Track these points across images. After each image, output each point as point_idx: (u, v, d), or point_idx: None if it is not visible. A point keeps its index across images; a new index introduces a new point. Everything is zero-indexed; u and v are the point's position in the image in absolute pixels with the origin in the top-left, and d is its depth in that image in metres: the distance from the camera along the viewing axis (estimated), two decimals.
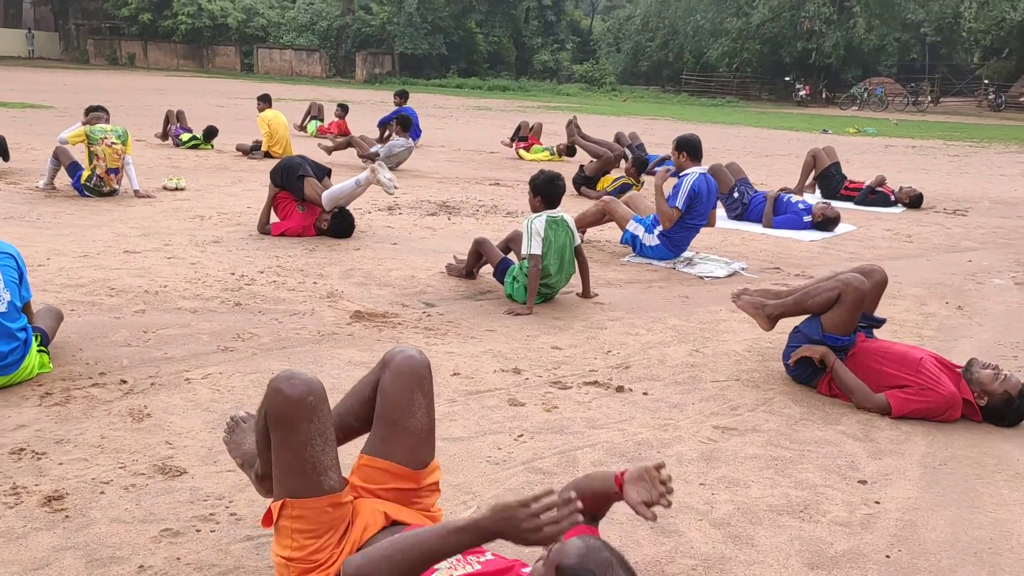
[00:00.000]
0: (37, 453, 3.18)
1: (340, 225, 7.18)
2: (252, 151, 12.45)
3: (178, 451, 3.24)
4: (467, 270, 5.97)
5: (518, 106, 30.58)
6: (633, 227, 6.92)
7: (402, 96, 14.45)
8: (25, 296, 3.94)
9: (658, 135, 18.35)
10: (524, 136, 14.11)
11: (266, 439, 2.26)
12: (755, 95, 44.28)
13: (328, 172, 7.49)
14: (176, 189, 9.19)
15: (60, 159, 8.57)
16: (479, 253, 5.76)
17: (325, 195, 7.11)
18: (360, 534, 2.22)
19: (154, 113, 18.67)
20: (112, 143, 8.37)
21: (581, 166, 10.48)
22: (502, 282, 5.57)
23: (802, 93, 39.36)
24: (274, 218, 7.30)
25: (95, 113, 8.56)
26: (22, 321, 3.85)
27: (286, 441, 2.18)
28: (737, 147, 17.29)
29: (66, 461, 3.13)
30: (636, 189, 9.82)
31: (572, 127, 12.00)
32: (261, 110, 12.71)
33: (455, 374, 4.15)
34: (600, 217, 7.09)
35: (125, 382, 3.91)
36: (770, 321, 4.32)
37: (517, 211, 8.89)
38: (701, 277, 6.42)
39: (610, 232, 7.71)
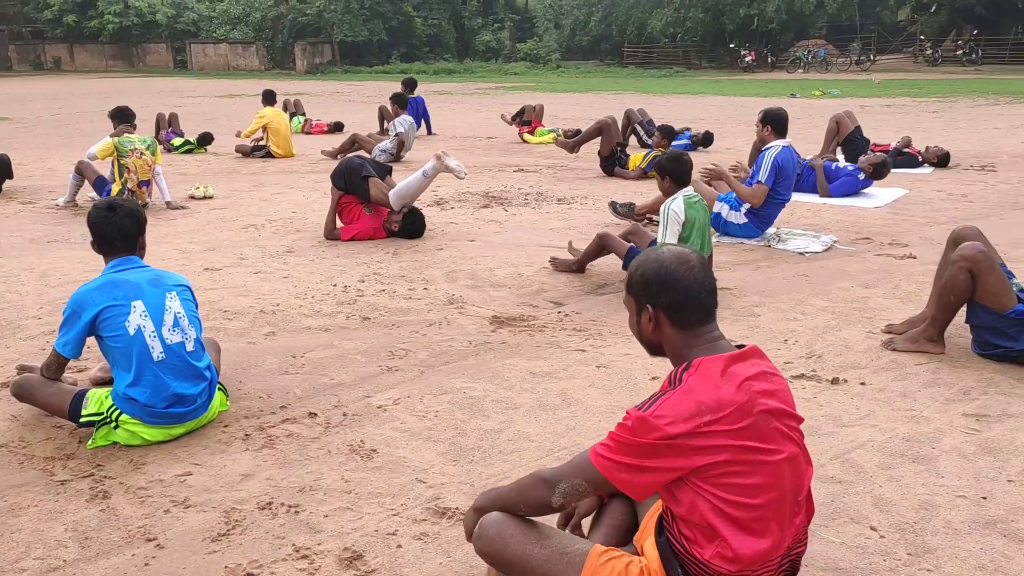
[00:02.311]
0: (290, 506, 2.89)
1: (412, 225, 6.87)
2: (253, 152, 11.94)
3: (438, 489, 2.98)
4: (580, 264, 5.75)
5: (476, 88, 30.18)
6: (718, 206, 6.77)
7: (409, 85, 14.03)
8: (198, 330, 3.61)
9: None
10: (527, 120, 13.85)
11: None
12: (697, 64, 44.53)
13: (389, 170, 7.17)
14: (205, 198, 8.73)
15: (84, 174, 8.04)
16: (601, 247, 5.52)
17: (392, 194, 6.79)
18: None
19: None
20: (142, 154, 7.88)
21: (617, 144, 10.26)
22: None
23: (748, 59, 39.71)
24: (339, 222, 6.96)
25: (124, 125, 8.03)
26: (207, 359, 3.53)
27: None
28: (723, 116, 17.29)
29: (330, 513, 2.85)
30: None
31: (561, 142, 11.42)
32: (264, 106, 12.19)
33: (654, 378, 3.95)
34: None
35: (315, 415, 3.62)
36: (937, 343, 4.22)
37: (566, 197, 8.67)
38: (801, 253, 6.31)
39: None
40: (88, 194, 8.43)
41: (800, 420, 2.02)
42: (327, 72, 43.73)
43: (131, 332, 3.28)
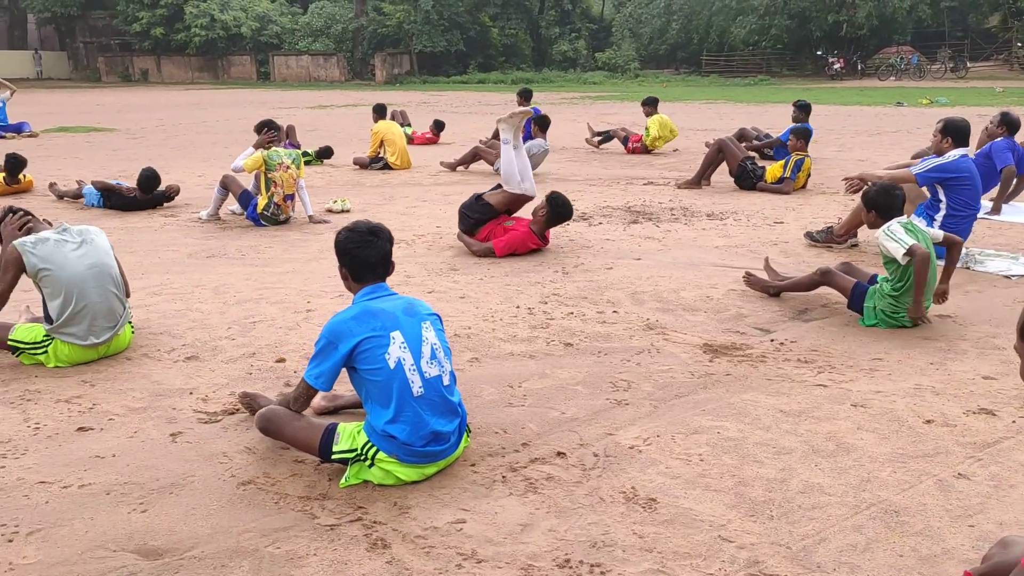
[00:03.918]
0: (592, 565, 2.62)
1: (558, 210, 6.55)
2: (371, 164, 11.86)
3: (750, 550, 2.68)
4: (780, 290, 5.39)
5: (560, 98, 29.94)
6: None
7: (525, 96, 13.80)
8: None
9: (741, 121, 17.75)
10: (612, 137, 13.60)
11: None
12: (779, 72, 43.57)
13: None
14: (343, 211, 8.62)
15: (229, 188, 7.98)
16: (818, 283, 5.11)
17: (504, 179, 6.76)
18: None
19: (215, 131, 18.10)
20: (288, 167, 7.78)
21: (743, 160, 9.83)
22: (858, 311, 4.94)
23: (836, 66, 38.66)
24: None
25: (266, 135, 7.95)
26: (458, 393, 3.29)
27: None
28: (836, 127, 16.68)
29: (638, 574, 2.57)
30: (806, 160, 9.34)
31: (685, 184, 10.63)
32: (375, 121, 12.13)
33: (928, 421, 3.59)
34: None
35: (563, 454, 3.35)
36: None
37: (715, 212, 8.31)
38: (1007, 276, 5.85)
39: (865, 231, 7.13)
40: (229, 207, 8.39)
41: None
42: (406, 82, 44.03)
43: (391, 365, 3.06)
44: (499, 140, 10.54)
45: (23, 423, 3.67)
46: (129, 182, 9.03)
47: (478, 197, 6.82)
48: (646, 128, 13.34)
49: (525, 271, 6.21)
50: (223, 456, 3.36)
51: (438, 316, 3.32)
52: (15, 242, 4.27)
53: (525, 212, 7.02)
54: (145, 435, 3.56)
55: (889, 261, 4.69)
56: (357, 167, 12.02)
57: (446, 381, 3.18)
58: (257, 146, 7.82)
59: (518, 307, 5.31)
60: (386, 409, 3.07)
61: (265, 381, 4.13)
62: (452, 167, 11.55)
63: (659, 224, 7.81)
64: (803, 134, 9.67)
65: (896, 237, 4.58)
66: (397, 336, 3.09)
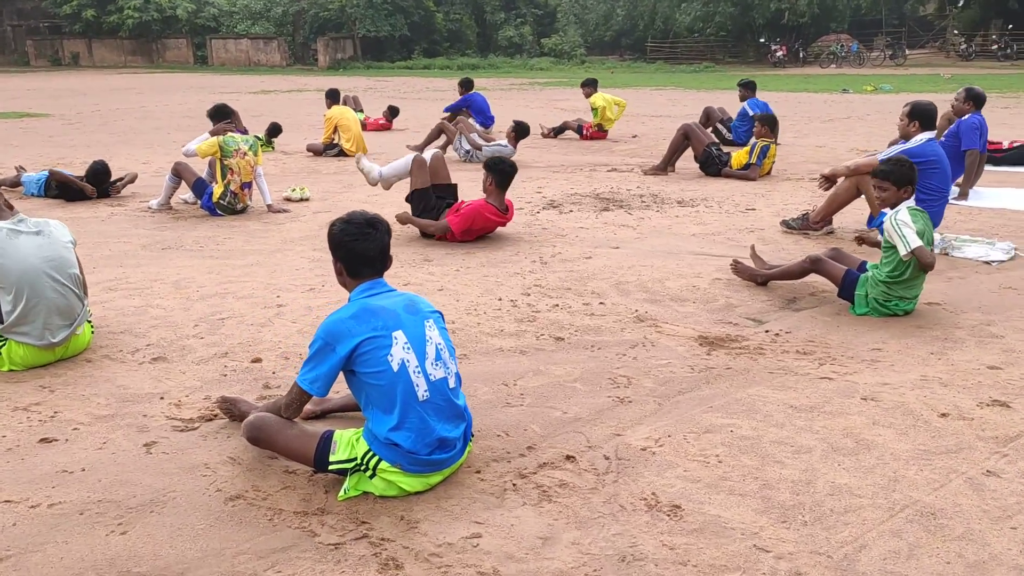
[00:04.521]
0: None
1: (501, 169, 6.33)
2: (325, 151, 11.49)
3: (789, 560, 2.52)
4: (768, 279, 5.27)
5: (509, 84, 29.70)
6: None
7: (465, 85, 13.54)
8: None
9: (692, 107, 17.72)
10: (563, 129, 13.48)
11: None
12: (721, 59, 43.90)
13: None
14: (301, 200, 8.28)
15: (182, 176, 7.57)
16: (808, 271, 4.99)
17: (396, 172, 6.99)
18: None
19: (156, 116, 17.44)
20: (245, 154, 7.41)
21: (708, 145, 9.73)
22: (848, 299, 4.84)
23: (779, 54, 39.12)
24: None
25: (223, 123, 7.56)
26: (463, 396, 3.07)
27: None
28: (789, 114, 16.75)
29: None
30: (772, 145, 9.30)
31: (651, 170, 10.43)
32: (328, 107, 11.74)
33: (943, 415, 3.48)
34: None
35: (573, 458, 3.16)
36: None
37: (685, 199, 8.18)
38: (987, 263, 5.84)
39: (852, 216, 7.08)
40: (181, 196, 7.98)
41: None
42: (349, 67, 43.24)
43: (394, 368, 2.82)
44: (496, 143, 10.38)
45: None
46: (70, 170, 8.54)
47: (408, 197, 6.75)
48: (592, 109, 13.23)
49: (502, 261, 5.99)
50: (205, 468, 3.09)
51: (440, 314, 3.09)
52: None
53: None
54: (116, 446, 3.26)
55: (889, 247, 4.59)
56: (311, 154, 11.64)
57: (452, 383, 2.96)
58: (214, 133, 7.44)
59: (500, 299, 5.10)
60: (389, 415, 2.84)
61: (242, 383, 3.85)
62: (420, 148, 11.24)
63: (631, 212, 7.65)
64: (768, 121, 9.61)
65: (902, 233, 4.47)
66: (400, 336, 2.86)
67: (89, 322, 4.25)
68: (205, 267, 5.82)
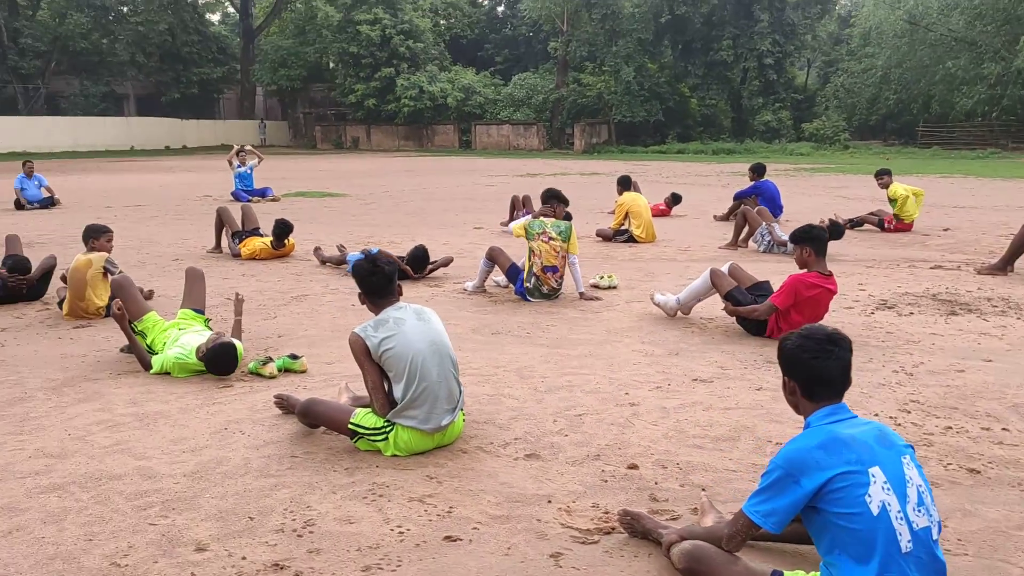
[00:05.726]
0: None
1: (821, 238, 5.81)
2: (615, 236, 11.48)
3: None
4: None
5: (784, 169, 28.76)
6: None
7: (757, 171, 13.15)
8: None
9: (1004, 197, 16.03)
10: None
11: None
12: (1005, 144, 40.12)
13: None
14: (610, 288, 8.18)
15: (496, 261, 7.73)
16: None
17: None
18: None
19: (438, 197, 18.42)
20: (551, 239, 7.43)
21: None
22: None
23: None
24: None
25: (544, 207, 7.66)
26: (940, 551, 2.61)
27: None
28: None
29: None
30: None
31: (986, 269, 9.06)
32: (620, 193, 11.77)
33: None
34: None
35: None
36: None
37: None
38: None
39: None
40: (494, 279, 8.14)
41: None
42: (603, 151, 44.16)
43: (874, 511, 2.44)
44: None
45: (384, 524, 3.33)
46: (380, 248, 9.03)
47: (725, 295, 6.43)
48: (890, 200, 12.30)
49: (857, 368, 5.40)
50: None
51: (913, 448, 2.67)
52: (356, 329, 4.05)
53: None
54: (521, 553, 3.11)
55: None
56: (600, 239, 11.66)
57: (935, 535, 2.52)
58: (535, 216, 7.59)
59: (876, 415, 4.56)
60: (864, 566, 2.44)
61: (626, 492, 3.62)
62: (725, 217, 10.94)
63: (985, 317, 6.80)
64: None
65: None
66: (878, 474, 2.47)
67: (462, 410, 4.24)
68: (540, 355, 5.77)
